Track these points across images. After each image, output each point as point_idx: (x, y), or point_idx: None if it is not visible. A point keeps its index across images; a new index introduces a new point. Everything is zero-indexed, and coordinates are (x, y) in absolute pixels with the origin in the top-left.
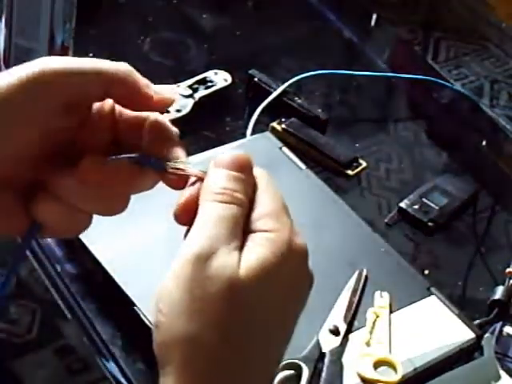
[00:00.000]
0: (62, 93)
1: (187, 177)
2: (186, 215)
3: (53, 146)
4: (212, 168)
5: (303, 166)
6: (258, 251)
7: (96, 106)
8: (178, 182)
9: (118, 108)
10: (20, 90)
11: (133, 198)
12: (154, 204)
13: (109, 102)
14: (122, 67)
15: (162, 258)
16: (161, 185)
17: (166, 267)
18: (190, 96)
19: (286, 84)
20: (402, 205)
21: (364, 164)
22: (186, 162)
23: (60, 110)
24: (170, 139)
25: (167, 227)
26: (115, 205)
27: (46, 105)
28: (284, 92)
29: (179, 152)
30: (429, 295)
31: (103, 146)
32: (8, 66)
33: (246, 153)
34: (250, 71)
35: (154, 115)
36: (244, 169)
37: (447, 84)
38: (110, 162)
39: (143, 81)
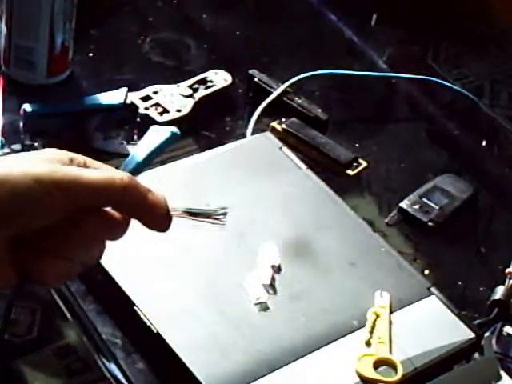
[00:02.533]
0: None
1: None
2: None
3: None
4: None
5: (303, 166)
6: None
7: None
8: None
9: None
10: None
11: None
12: None
13: None
14: (126, 178)
15: (161, 258)
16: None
17: (166, 267)
18: (190, 96)
19: (286, 84)
20: (402, 205)
21: (364, 164)
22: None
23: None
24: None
25: None
26: (100, 252)
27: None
28: (284, 92)
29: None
30: (429, 295)
31: None
32: (8, 65)
33: (246, 153)
34: (250, 71)
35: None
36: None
37: (447, 84)
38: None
39: (144, 190)
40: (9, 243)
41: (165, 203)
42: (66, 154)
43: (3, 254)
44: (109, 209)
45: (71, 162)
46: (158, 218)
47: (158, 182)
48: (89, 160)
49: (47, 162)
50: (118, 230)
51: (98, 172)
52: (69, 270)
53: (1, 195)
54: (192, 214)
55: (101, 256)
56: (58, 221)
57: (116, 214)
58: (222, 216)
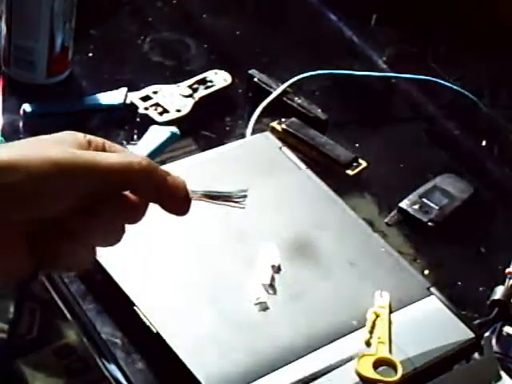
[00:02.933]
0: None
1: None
2: None
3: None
4: None
5: (303, 166)
6: None
7: None
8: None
9: None
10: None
11: None
12: (155, 205)
13: None
14: (145, 162)
15: (161, 259)
16: None
17: (166, 267)
18: (190, 96)
19: (286, 84)
20: (402, 205)
21: (364, 164)
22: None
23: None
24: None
25: (167, 228)
26: (119, 236)
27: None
28: (284, 92)
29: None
30: (429, 295)
31: None
32: (8, 65)
33: (246, 153)
34: (250, 71)
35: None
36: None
37: (447, 84)
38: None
39: (163, 174)
40: (25, 227)
41: (184, 186)
42: (83, 137)
43: (19, 238)
44: (127, 192)
45: (89, 144)
46: (177, 201)
47: None
48: (108, 143)
49: (65, 146)
50: (136, 214)
51: (116, 156)
52: (85, 256)
53: (17, 179)
54: (211, 197)
55: (119, 240)
56: (74, 206)
57: (134, 197)
58: (241, 199)
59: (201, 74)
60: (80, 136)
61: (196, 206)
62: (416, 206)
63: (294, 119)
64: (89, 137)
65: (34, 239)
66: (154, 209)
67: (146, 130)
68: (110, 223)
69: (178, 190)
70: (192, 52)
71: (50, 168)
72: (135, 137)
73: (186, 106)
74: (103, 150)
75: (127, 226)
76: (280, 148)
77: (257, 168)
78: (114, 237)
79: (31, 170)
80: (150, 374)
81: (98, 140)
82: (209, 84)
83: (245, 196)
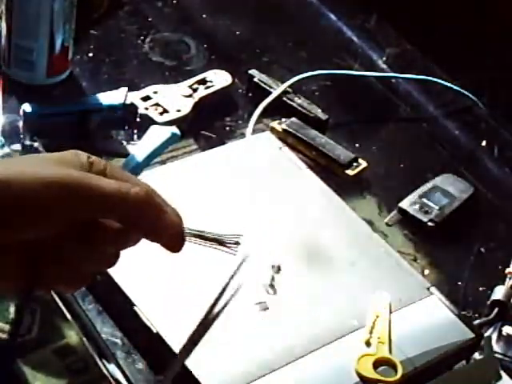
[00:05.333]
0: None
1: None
2: None
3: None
4: None
5: (303, 166)
6: None
7: None
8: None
9: None
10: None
11: None
12: None
13: None
14: (142, 193)
15: (161, 258)
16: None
17: (167, 267)
18: (190, 96)
19: (286, 84)
20: (402, 205)
21: (364, 164)
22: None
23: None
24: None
25: None
26: (112, 262)
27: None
28: (284, 92)
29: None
30: (429, 295)
31: None
32: (8, 66)
33: (246, 153)
34: (250, 71)
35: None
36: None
37: (447, 84)
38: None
39: (160, 207)
40: (17, 246)
41: (180, 225)
42: (86, 158)
43: (11, 256)
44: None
45: (91, 165)
46: (170, 240)
47: (158, 182)
48: (110, 167)
49: (63, 165)
50: (130, 242)
51: (114, 183)
52: (78, 279)
53: (8, 195)
54: (205, 238)
55: (113, 265)
56: (65, 230)
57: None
58: (234, 245)
59: (201, 74)
60: (83, 157)
61: (196, 207)
62: (416, 206)
63: (294, 119)
64: (93, 159)
65: (25, 256)
66: None
67: (146, 130)
68: (101, 252)
69: (172, 228)
70: (192, 52)
71: (41, 187)
72: (135, 137)
73: (186, 106)
74: (104, 174)
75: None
76: (280, 148)
77: (257, 168)
78: (107, 263)
79: (22, 188)
80: (150, 374)
81: (101, 163)
82: (209, 84)
83: (237, 243)
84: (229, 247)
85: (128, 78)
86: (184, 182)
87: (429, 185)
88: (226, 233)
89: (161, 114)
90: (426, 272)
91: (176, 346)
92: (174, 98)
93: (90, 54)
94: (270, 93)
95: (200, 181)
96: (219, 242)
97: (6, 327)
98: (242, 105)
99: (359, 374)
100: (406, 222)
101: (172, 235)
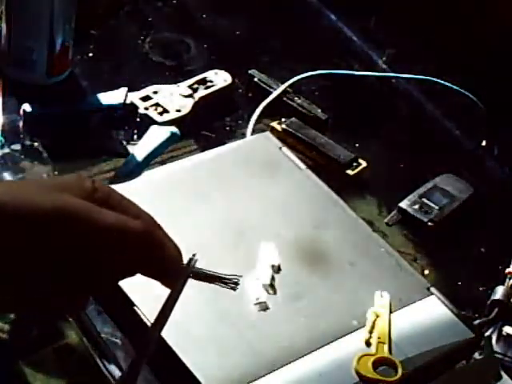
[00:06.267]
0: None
1: None
2: None
3: None
4: None
5: (303, 166)
6: None
7: None
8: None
9: None
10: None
11: (135, 201)
12: (155, 206)
13: None
14: (141, 229)
15: None
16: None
17: None
18: (190, 96)
19: (286, 84)
20: (402, 205)
21: (364, 164)
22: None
23: None
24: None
25: (167, 228)
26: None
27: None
28: (284, 92)
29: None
30: (429, 295)
31: None
32: (8, 65)
33: (246, 153)
34: (250, 71)
35: None
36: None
37: (447, 84)
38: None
39: (159, 244)
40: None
41: (178, 262)
42: (91, 183)
43: (5, 282)
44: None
45: (94, 192)
46: (167, 279)
47: (158, 182)
48: (113, 194)
49: (65, 192)
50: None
51: (113, 217)
52: (76, 306)
53: (1, 220)
54: (205, 276)
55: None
56: (60, 260)
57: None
58: (234, 285)
59: (201, 74)
60: (87, 183)
61: (196, 206)
62: (416, 206)
63: (294, 119)
64: (97, 184)
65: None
66: (153, 209)
67: (146, 130)
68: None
69: (170, 266)
70: (192, 52)
71: (38, 217)
72: (135, 137)
73: (186, 106)
74: (106, 201)
75: None
76: (280, 148)
77: (257, 168)
78: (107, 288)
79: (16, 215)
80: (150, 374)
81: (104, 190)
82: (209, 84)
83: (237, 283)
84: (228, 286)
85: (128, 78)
86: (184, 182)
87: (429, 185)
88: (226, 274)
89: (161, 114)
90: (426, 272)
91: (176, 345)
92: (174, 98)
93: (90, 54)
94: (270, 93)
95: (200, 181)
96: (219, 280)
97: (6, 327)
98: (241, 105)
99: (359, 374)
100: (405, 222)
101: (170, 273)
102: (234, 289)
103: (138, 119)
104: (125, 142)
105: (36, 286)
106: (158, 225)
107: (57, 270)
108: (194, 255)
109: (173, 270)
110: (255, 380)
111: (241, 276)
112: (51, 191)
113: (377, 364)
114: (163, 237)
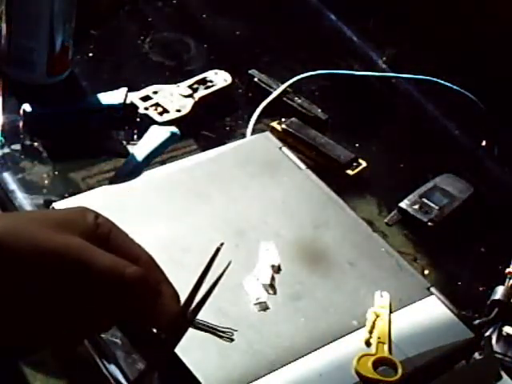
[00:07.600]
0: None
1: None
2: None
3: None
4: None
5: (303, 166)
6: None
7: None
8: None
9: None
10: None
11: (135, 201)
12: (155, 205)
13: None
14: (138, 274)
15: (161, 259)
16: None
17: (167, 267)
18: (190, 96)
19: (286, 84)
20: (402, 205)
21: (364, 164)
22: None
23: None
24: None
25: (167, 228)
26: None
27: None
28: (284, 92)
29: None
30: (429, 295)
31: None
32: (8, 65)
33: (246, 153)
34: (250, 71)
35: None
36: None
37: (447, 84)
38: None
39: (156, 289)
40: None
41: (173, 311)
42: (93, 218)
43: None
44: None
45: (97, 227)
46: (163, 326)
47: (158, 182)
48: (114, 229)
49: (67, 229)
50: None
51: (111, 261)
52: (77, 340)
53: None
54: (201, 329)
55: (111, 327)
56: (56, 297)
57: None
58: (228, 339)
59: (201, 74)
60: (89, 218)
61: (196, 206)
62: (416, 206)
63: (294, 119)
64: (100, 220)
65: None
66: (155, 211)
67: (146, 130)
68: (96, 317)
69: (166, 314)
70: (192, 52)
71: (36, 257)
72: (135, 137)
73: (186, 106)
74: (107, 237)
75: (127, 228)
76: (280, 148)
77: (257, 168)
78: (103, 329)
79: (14, 255)
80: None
81: (107, 225)
82: (209, 84)
83: (232, 339)
84: (224, 340)
85: (128, 78)
86: (184, 182)
87: (429, 185)
88: (222, 327)
89: (161, 114)
90: (426, 272)
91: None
92: (174, 98)
93: (90, 54)
94: (270, 93)
95: (200, 181)
96: (214, 332)
97: None
98: (241, 105)
99: (359, 374)
100: (405, 221)
101: (164, 320)
102: (228, 340)
103: (138, 119)
104: (125, 142)
105: (35, 323)
106: (157, 267)
107: (53, 309)
108: (221, 244)
109: (167, 319)
110: (255, 380)
111: (236, 330)
112: (54, 229)
113: (377, 364)
114: (161, 282)
